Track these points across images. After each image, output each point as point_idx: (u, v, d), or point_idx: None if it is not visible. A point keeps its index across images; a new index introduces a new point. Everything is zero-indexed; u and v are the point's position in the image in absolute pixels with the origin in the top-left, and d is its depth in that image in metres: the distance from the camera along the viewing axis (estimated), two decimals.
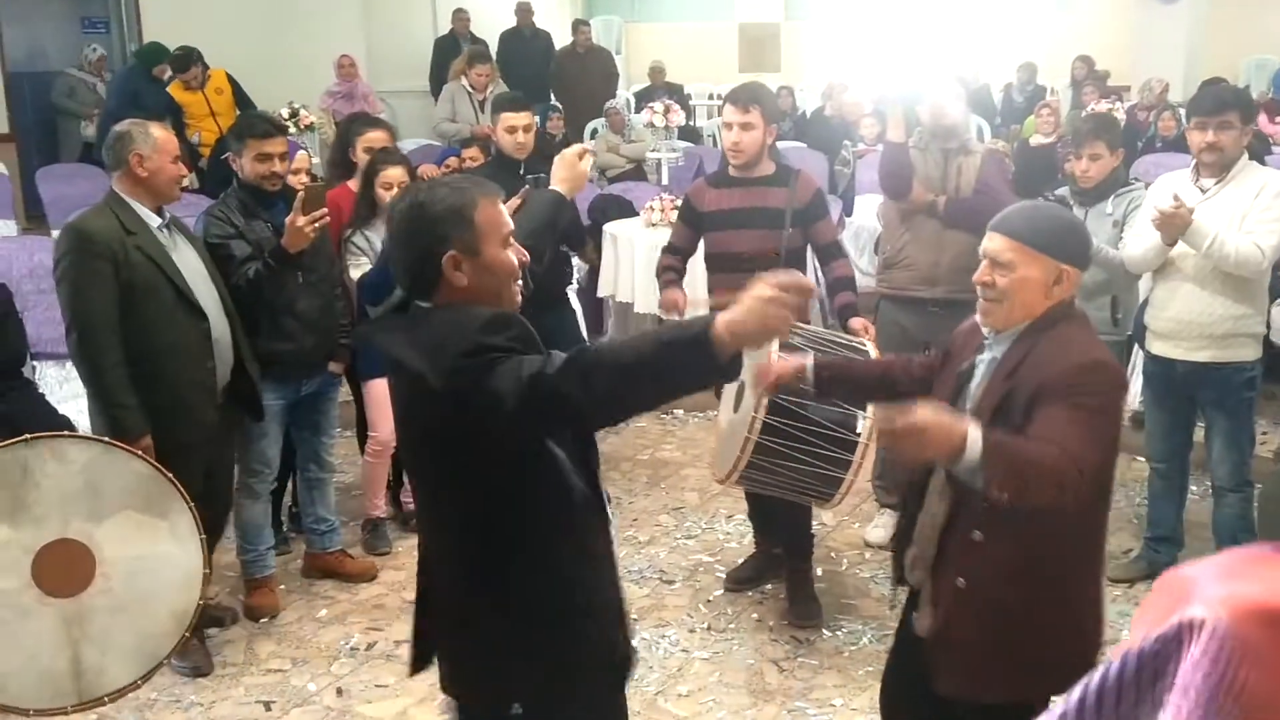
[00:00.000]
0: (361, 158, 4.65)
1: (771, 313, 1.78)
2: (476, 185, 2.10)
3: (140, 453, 3.29)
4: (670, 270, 4.35)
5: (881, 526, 4.70)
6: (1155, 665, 0.94)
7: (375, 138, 4.72)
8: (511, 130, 4.65)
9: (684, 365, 1.83)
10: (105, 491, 3.19)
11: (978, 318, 2.43)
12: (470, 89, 8.25)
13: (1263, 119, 9.38)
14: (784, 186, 4.11)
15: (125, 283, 3.50)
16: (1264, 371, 5.84)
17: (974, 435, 2.07)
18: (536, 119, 4.83)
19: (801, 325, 3.50)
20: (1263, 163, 7.24)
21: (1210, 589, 0.94)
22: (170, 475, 3.27)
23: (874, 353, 3.49)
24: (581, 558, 2.13)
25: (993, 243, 2.36)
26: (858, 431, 3.32)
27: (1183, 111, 9.28)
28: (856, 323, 4.00)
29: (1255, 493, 4.05)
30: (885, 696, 2.78)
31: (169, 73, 8.51)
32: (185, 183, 7.44)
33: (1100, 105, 9.57)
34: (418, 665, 2.31)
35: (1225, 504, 4.08)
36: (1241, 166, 3.85)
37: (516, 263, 2.09)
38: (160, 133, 3.71)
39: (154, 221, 3.66)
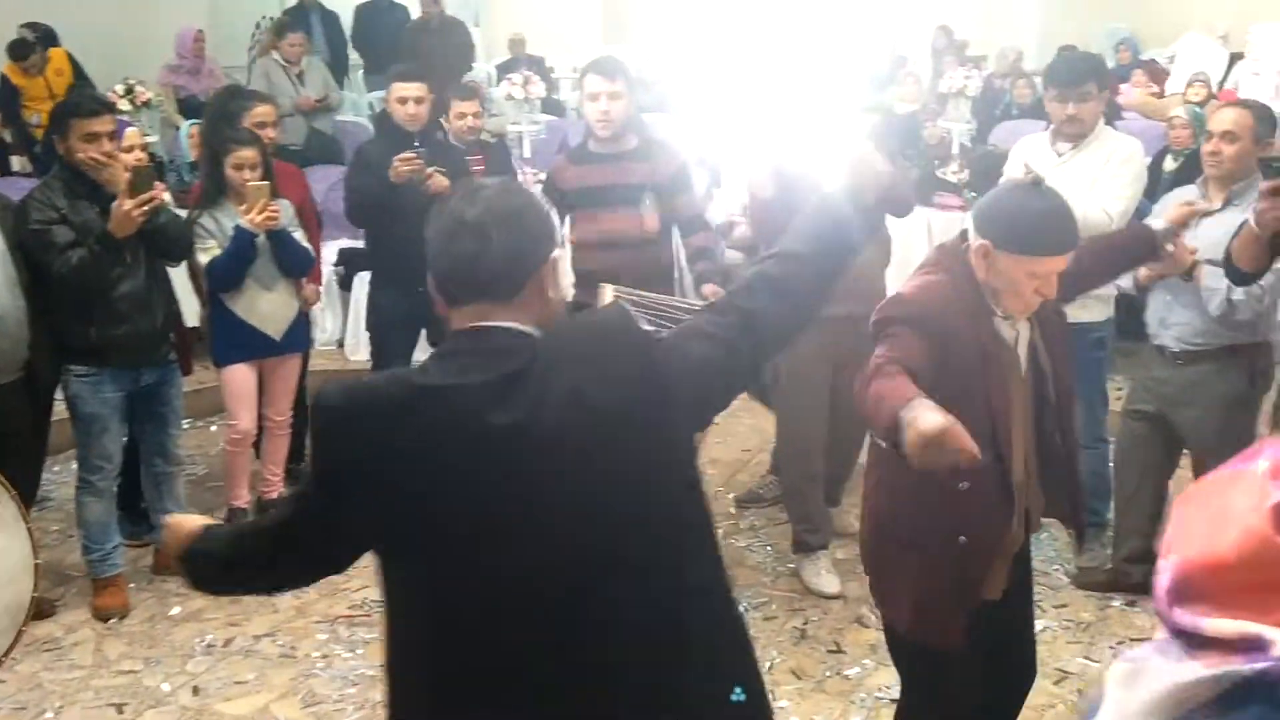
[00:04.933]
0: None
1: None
2: None
3: None
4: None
5: (827, 571, 4.16)
6: None
7: (263, 112, 4.59)
8: (403, 101, 4.57)
9: None
10: None
11: (1016, 314, 2.43)
12: (285, 62, 7.97)
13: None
14: (646, 161, 4.05)
15: None
16: (1118, 329, 6.05)
17: None
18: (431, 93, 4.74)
19: (640, 293, 3.46)
20: (1114, 127, 7.50)
21: None
22: None
23: None
24: None
25: (1058, 264, 2.36)
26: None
27: (1038, 80, 9.52)
28: (708, 289, 3.98)
29: (1109, 449, 4.13)
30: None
31: None
32: (16, 165, 7.19)
33: (959, 74, 9.75)
34: None
35: (1081, 460, 4.15)
36: (1097, 133, 3.88)
37: None
38: None
39: None
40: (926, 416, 1.90)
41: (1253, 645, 0.91)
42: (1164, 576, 0.99)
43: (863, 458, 3.74)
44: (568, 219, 4.16)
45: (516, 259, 1.67)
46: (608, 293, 3.42)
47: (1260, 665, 0.90)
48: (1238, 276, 3.31)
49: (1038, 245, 2.31)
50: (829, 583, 4.09)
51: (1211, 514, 0.98)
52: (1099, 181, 3.79)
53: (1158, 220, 3.79)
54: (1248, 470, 0.98)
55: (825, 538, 4.19)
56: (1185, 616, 0.96)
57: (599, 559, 1.65)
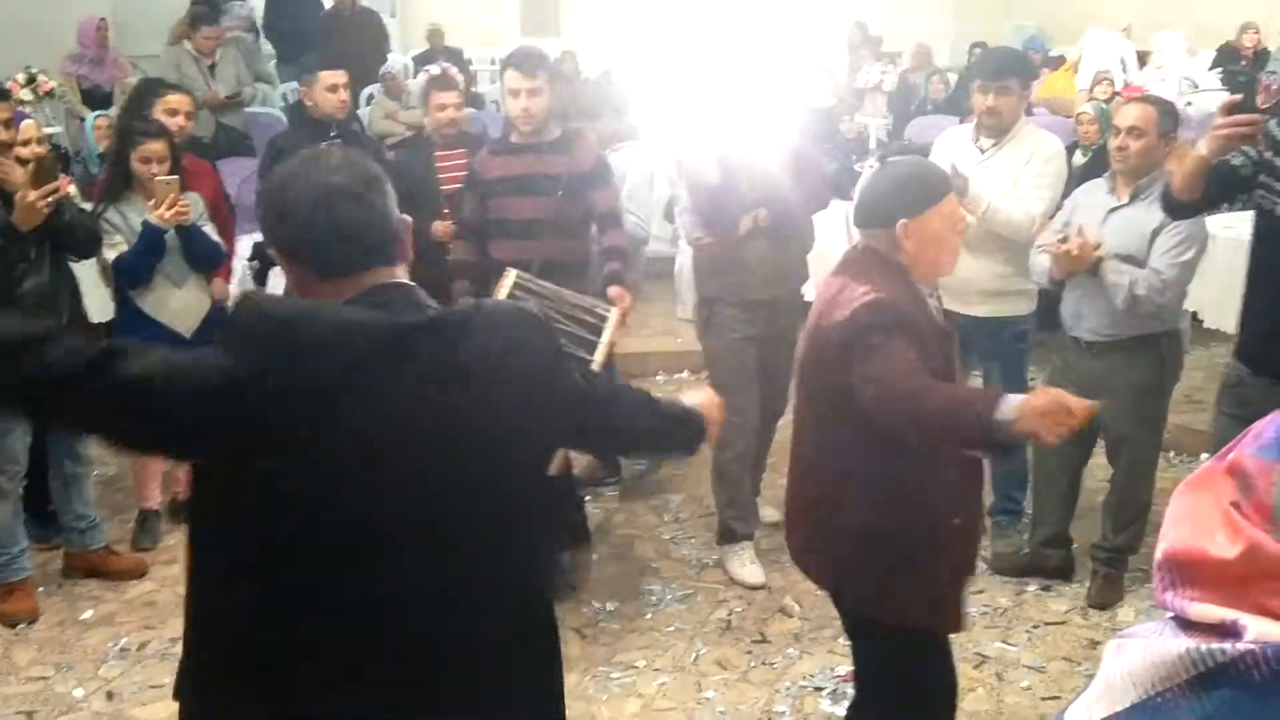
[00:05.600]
0: (163, 119, 4.39)
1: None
2: None
3: None
4: (462, 268, 4.16)
5: (751, 562, 4.17)
6: None
7: (176, 101, 4.50)
8: (334, 88, 4.63)
9: None
10: None
11: (947, 273, 2.54)
12: (197, 53, 7.79)
13: None
14: (563, 153, 4.05)
15: None
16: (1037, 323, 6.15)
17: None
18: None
19: (541, 283, 3.46)
20: None
21: None
22: None
23: (614, 319, 3.46)
24: None
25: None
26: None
27: (951, 76, 9.68)
28: (614, 291, 3.95)
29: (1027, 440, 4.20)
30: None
31: None
32: None
33: (874, 70, 9.88)
34: None
35: None
36: (1018, 129, 3.94)
37: None
38: None
39: None
40: (1030, 400, 2.12)
41: (1229, 630, 0.96)
42: (1155, 563, 1.05)
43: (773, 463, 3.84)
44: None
45: (393, 221, 1.65)
46: (510, 278, 3.40)
47: (1232, 651, 0.95)
48: (1175, 209, 3.35)
49: (942, 185, 2.47)
50: (753, 574, 4.12)
51: (1189, 507, 1.04)
52: (1021, 180, 3.85)
53: (1060, 214, 3.89)
54: (1220, 466, 1.04)
55: (751, 527, 4.22)
56: (1175, 601, 1.01)
57: (491, 501, 1.68)
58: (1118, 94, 8.03)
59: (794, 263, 4.15)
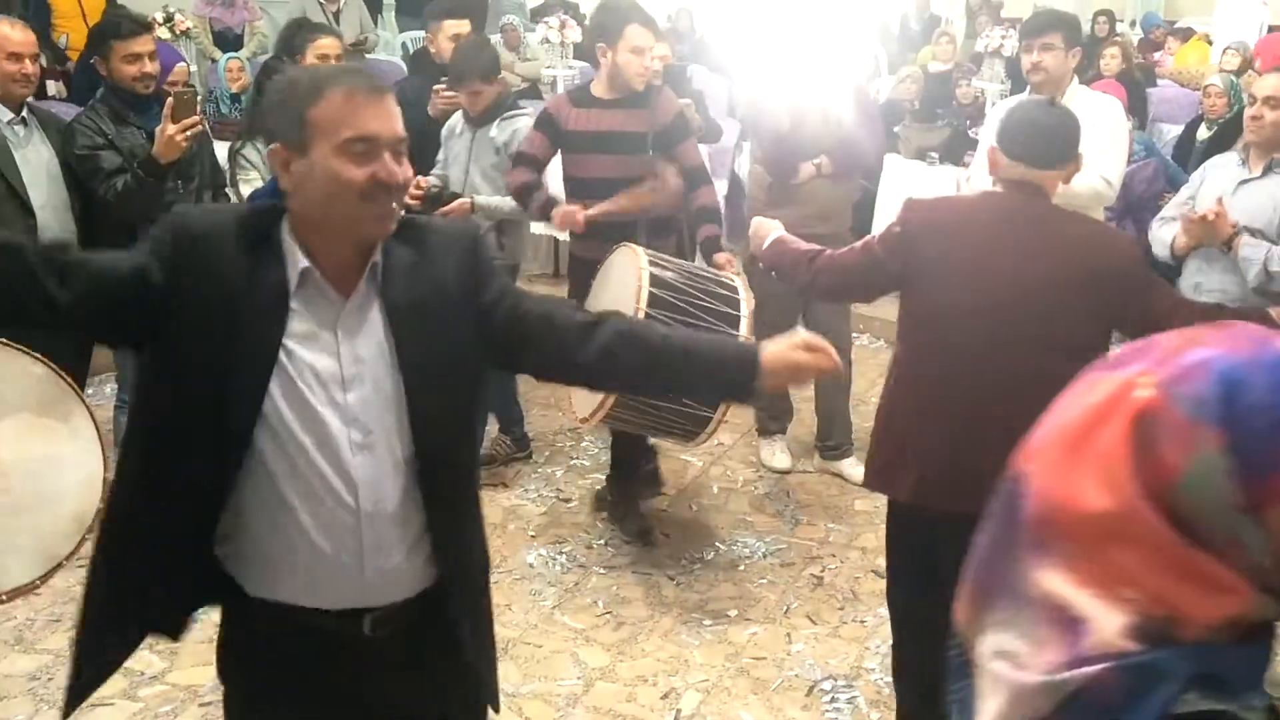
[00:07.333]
0: (314, 64, 4.46)
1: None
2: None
3: (38, 355, 3.18)
4: (529, 188, 4.05)
5: (781, 452, 4.81)
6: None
7: (328, 45, 4.52)
8: (456, 38, 4.70)
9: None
10: (1, 393, 3.08)
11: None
12: (322, 0, 7.95)
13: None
14: (645, 108, 3.94)
15: None
16: None
17: None
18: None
19: (666, 257, 3.47)
20: (1145, 94, 7.44)
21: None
22: (68, 378, 3.17)
23: (743, 289, 3.44)
24: None
25: None
26: None
27: None
28: (721, 258, 3.81)
29: None
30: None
31: None
32: (53, 90, 7.19)
33: (995, 34, 9.67)
34: None
35: None
36: (1071, 91, 3.91)
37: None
38: (3, 28, 3.70)
39: (4, 116, 3.71)
40: None
41: (1069, 622, 0.79)
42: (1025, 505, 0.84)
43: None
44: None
45: None
46: (641, 257, 3.34)
47: (1085, 671, 0.77)
48: None
49: None
50: (782, 460, 4.76)
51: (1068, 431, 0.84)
52: (1090, 148, 3.79)
53: (1187, 187, 3.83)
54: (1128, 396, 0.81)
55: (781, 425, 4.83)
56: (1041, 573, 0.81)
57: None
58: (1252, 68, 7.76)
59: (844, 204, 4.55)
